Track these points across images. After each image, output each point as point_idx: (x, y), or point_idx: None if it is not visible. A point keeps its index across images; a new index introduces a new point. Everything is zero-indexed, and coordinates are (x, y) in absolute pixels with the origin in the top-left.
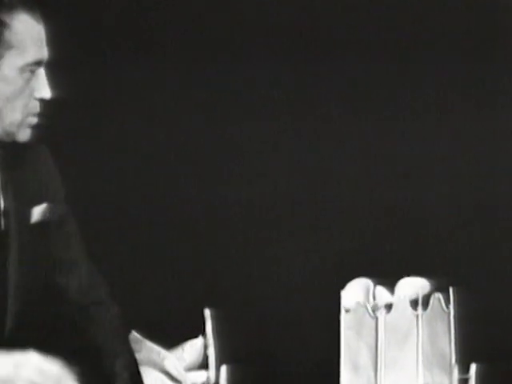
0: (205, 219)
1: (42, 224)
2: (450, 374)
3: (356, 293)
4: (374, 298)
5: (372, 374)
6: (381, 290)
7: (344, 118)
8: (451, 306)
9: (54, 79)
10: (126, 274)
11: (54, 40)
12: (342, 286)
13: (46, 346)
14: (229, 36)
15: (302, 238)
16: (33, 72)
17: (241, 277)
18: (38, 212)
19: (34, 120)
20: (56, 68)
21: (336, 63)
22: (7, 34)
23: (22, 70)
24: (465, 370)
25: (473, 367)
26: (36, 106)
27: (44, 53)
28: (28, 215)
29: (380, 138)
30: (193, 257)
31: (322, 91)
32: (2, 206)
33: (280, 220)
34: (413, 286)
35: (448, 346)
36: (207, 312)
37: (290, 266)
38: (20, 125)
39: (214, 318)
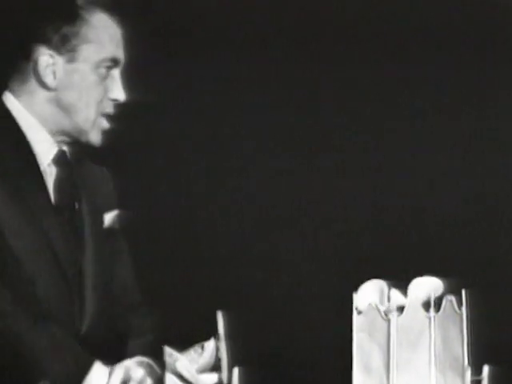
0: (218, 223)
1: (110, 229)
2: (463, 375)
3: (370, 294)
4: (389, 299)
5: (384, 375)
6: (395, 292)
7: (348, 122)
8: (464, 309)
9: (128, 82)
10: (139, 278)
11: (129, 44)
12: (354, 288)
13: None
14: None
15: (314, 239)
16: (108, 70)
17: (253, 279)
18: (109, 217)
19: (106, 124)
20: (130, 72)
21: (336, 64)
22: (85, 29)
23: (98, 65)
24: (477, 371)
25: (485, 369)
26: (109, 107)
27: (120, 53)
28: (101, 219)
29: (393, 139)
30: (205, 260)
31: (324, 91)
32: (77, 205)
33: (292, 222)
34: (425, 286)
35: (461, 348)
36: (219, 314)
37: (303, 269)
38: (94, 122)
39: (226, 320)
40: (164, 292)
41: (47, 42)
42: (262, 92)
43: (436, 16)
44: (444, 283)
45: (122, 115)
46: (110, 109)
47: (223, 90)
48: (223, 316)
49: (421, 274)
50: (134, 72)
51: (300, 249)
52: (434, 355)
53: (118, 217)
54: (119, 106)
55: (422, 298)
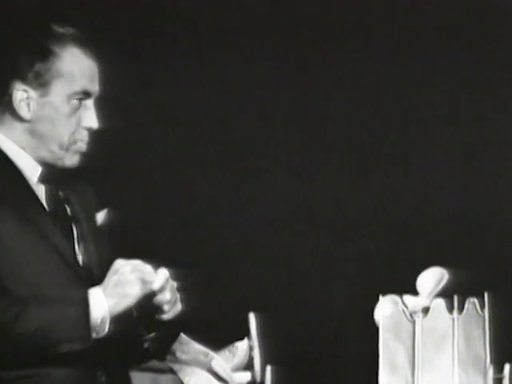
0: (251, 230)
1: (103, 227)
2: (485, 374)
3: (387, 309)
4: (406, 306)
5: (409, 374)
6: (408, 298)
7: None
8: (486, 310)
9: (104, 112)
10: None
11: (106, 76)
12: (381, 290)
13: None
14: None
15: (343, 244)
16: (81, 101)
17: (284, 282)
18: (101, 216)
19: (82, 147)
20: (107, 101)
21: (337, 64)
22: (57, 64)
23: (70, 97)
24: (499, 370)
25: (507, 367)
26: (84, 135)
27: (92, 86)
28: (94, 220)
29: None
30: (239, 264)
31: (330, 92)
32: (70, 214)
33: (322, 228)
34: (431, 277)
35: (483, 348)
36: (252, 315)
37: (330, 271)
38: (67, 149)
39: (258, 321)
40: (200, 296)
41: (21, 77)
42: (248, 114)
43: (436, 16)
44: (466, 283)
45: (100, 141)
46: (84, 137)
47: (200, 115)
48: (256, 317)
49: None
50: (111, 100)
51: (328, 254)
52: (457, 354)
53: (109, 214)
54: (98, 132)
55: (432, 288)
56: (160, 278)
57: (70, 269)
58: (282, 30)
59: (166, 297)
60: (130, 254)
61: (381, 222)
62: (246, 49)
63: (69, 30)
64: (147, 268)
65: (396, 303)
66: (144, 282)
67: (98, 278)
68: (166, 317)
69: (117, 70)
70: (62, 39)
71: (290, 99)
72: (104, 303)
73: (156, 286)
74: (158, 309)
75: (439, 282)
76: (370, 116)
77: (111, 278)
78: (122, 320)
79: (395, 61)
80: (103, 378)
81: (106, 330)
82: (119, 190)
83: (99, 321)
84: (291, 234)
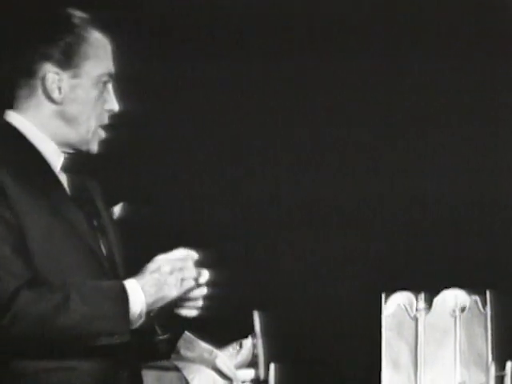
0: (253, 229)
1: (119, 221)
2: (487, 371)
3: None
4: (417, 309)
5: (412, 371)
6: (423, 304)
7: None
8: (488, 308)
9: (119, 93)
10: None
11: (120, 59)
12: (381, 289)
13: None
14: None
15: (346, 242)
16: (105, 84)
17: (288, 281)
18: (117, 210)
19: (103, 133)
20: (120, 83)
21: (337, 64)
22: (84, 46)
23: (97, 80)
24: (501, 367)
25: (508, 365)
26: (105, 118)
27: (113, 68)
28: (110, 213)
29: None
30: (241, 263)
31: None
32: (91, 204)
33: (325, 227)
34: (451, 298)
35: (485, 345)
36: (256, 314)
37: (334, 271)
38: (94, 133)
39: (262, 319)
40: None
41: (51, 59)
42: (256, 101)
43: (436, 17)
44: (469, 291)
45: (115, 125)
46: (106, 119)
47: (212, 98)
48: (259, 316)
49: (446, 275)
50: (126, 84)
51: (332, 253)
52: (460, 352)
53: (124, 208)
54: (113, 116)
55: (450, 307)
56: (203, 278)
57: (96, 259)
58: (282, 30)
59: (203, 291)
60: (135, 249)
61: (381, 222)
62: (246, 48)
63: (86, 16)
64: (188, 265)
65: (409, 301)
66: (182, 280)
67: (120, 270)
68: (193, 313)
69: (134, 52)
70: (86, 23)
71: (290, 99)
72: (142, 298)
73: (202, 281)
74: (185, 304)
75: (457, 305)
76: (369, 116)
77: (151, 275)
78: (146, 317)
79: (395, 60)
80: (125, 374)
81: (140, 323)
82: (127, 186)
83: (137, 315)
84: (292, 234)
